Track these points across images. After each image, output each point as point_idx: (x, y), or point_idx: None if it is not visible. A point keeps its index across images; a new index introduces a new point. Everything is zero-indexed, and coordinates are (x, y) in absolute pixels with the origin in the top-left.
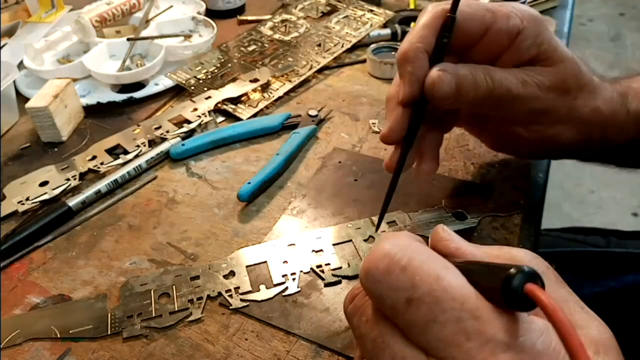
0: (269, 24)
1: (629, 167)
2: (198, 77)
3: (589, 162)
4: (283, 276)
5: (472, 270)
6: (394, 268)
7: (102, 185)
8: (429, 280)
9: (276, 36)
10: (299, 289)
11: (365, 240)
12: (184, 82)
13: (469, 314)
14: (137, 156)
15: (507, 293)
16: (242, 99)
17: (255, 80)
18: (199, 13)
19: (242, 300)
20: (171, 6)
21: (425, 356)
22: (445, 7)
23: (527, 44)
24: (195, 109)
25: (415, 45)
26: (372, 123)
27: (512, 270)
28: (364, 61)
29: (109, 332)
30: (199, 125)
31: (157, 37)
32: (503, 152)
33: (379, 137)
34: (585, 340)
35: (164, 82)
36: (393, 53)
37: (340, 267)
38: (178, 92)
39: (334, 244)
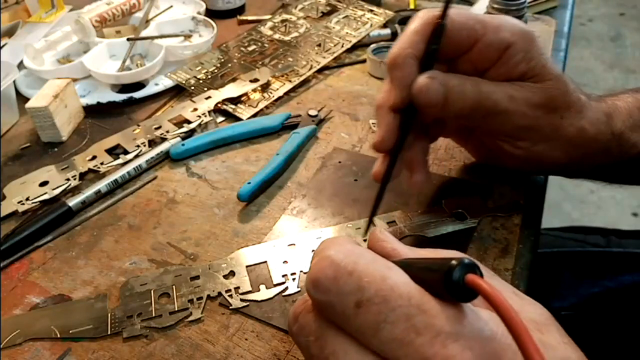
0: (269, 24)
1: (615, 184)
2: (198, 77)
3: (575, 179)
4: (283, 276)
5: (412, 267)
6: (341, 274)
7: (102, 185)
8: (376, 281)
9: (276, 36)
10: (299, 289)
11: (365, 240)
12: (184, 82)
13: (416, 309)
14: (137, 156)
15: (450, 285)
16: (242, 99)
17: (255, 80)
18: (199, 13)
19: (242, 300)
20: (171, 6)
21: None
22: (436, 13)
23: (517, 59)
24: (195, 109)
25: (406, 50)
26: (372, 123)
27: (453, 262)
28: (364, 61)
29: (109, 332)
30: (199, 125)
31: (157, 37)
32: (489, 163)
33: (371, 146)
34: (525, 322)
35: (164, 82)
36: None
37: None
38: (178, 92)
39: None
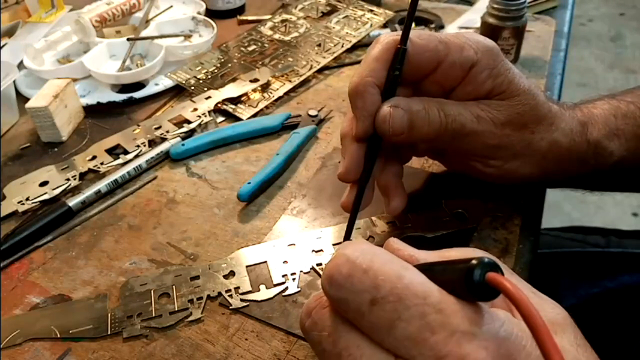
0: (269, 24)
1: (595, 191)
2: (198, 77)
3: (556, 188)
4: (283, 276)
5: (432, 270)
6: (356, 271)
7: (102, 185)
8: (391, 280)
9: (276, 36)
10: (299, 289)
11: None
12: (184, 82)
13: (432, 308)
14: (137, 156)
15: (470, 284)
16: (242, 99)
17: (255, 80)
18: (199, 13)
19: (242, 300)
20: (171, 6)
21: (395, 359)
22: (396, 38)
23: (482, 77)
24: (195, 109)
25: (365, 79)
26: None
27: (473, 261)
28: None
29: (109, 332)
30: (199, 125)
31: (157, 37)
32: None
33: (337, 176)
34: None
35: (164, 82)
36: None
37: None
38: (178, 92)
39: (334, 244)
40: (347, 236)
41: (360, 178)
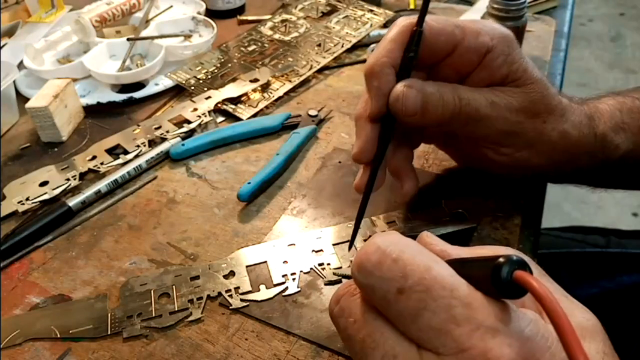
0: (269, 24)
1: (602, 188)
2: (198, 77)
3: (561, 184)
4: (283, 276)
5: (460, 265)
6: (386, 260)
7: (102, 185)
8: (420, 270)
9: (276, 36)
10: (299, 289)
11: (365, 240)
12: (184, 82)
13: (458, 301)
14: (137, 156)
15: (497, 281)
16: (242, 99)
17: (255, 80)
18: (199, 13)
19: (242, 300)
20: (171, 6)
21: (417, 349)
22: (413, 20)
23: (498, 62)
24: (195, 109)
25: (382, 60)
26: None
27: (501, 259)
28: (364, 61)
29: (109, 332)
30: (199, 125)
31: (157, 37)
32: (473, 167)
33: (351, 157)
34: None
35: (164, 82)
36: None
37: (340, 267)
38: (178, 92)
39: (334, 244)
40: (359, 217)
41: (373, 159)
